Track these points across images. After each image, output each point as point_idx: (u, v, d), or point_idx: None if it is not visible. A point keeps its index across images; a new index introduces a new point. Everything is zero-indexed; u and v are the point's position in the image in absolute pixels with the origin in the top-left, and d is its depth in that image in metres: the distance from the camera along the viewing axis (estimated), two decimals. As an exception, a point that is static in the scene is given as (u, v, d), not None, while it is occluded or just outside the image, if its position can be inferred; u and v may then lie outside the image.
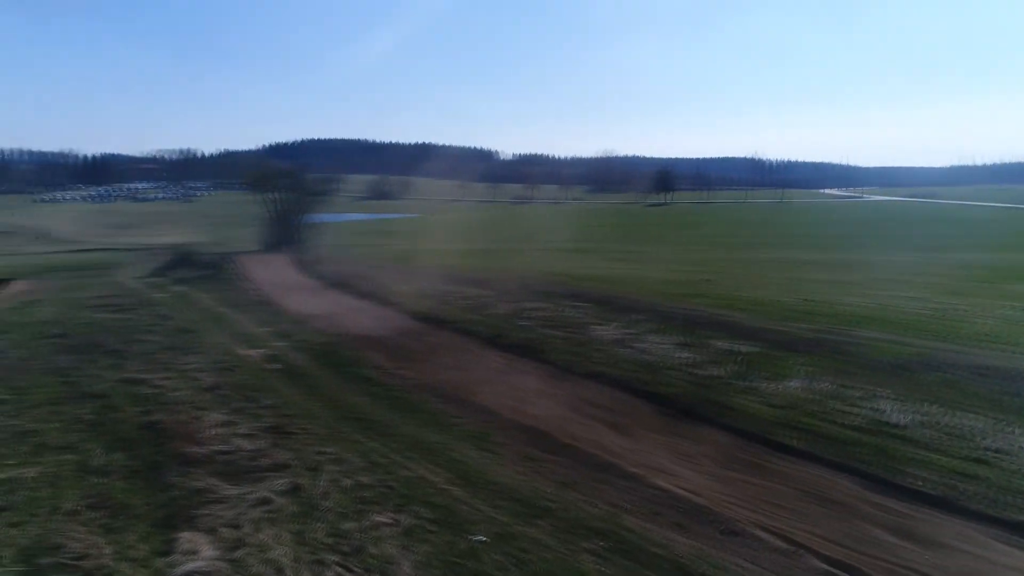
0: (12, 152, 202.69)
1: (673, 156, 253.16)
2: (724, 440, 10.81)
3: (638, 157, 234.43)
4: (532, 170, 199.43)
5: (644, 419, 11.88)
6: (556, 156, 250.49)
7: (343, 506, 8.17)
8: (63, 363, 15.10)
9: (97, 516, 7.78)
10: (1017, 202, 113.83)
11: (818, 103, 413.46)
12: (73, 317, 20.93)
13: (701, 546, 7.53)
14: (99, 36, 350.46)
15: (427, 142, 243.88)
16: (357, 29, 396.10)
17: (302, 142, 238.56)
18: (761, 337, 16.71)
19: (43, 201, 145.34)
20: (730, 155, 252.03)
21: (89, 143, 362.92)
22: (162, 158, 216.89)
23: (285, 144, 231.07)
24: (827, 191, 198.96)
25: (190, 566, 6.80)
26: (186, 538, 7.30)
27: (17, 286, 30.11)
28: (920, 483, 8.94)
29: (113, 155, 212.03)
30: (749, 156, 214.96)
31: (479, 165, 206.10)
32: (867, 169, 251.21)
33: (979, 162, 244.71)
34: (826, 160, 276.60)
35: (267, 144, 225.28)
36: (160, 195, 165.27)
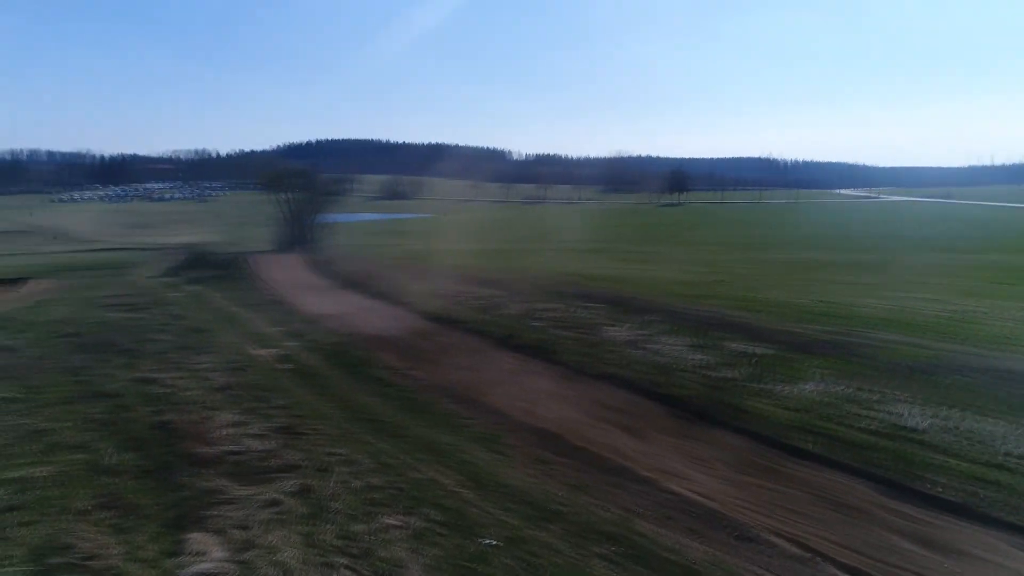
0: (31, 152, 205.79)
1: (686, 156, 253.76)
2: (738, 443, 10.66)
3: (651, 157, 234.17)
4: (545, 170, 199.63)
5: (657, 422, 11.75)
6: (569, 156, 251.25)
7: (353, 508, 8.11)
8: (77, 362, 15.20)
9: (107, 516, 7.77)
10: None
11: (832, 103, 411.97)
12: (87, 316, 21.08)
13: (715, 552, 7.41)
14: (117, 38, 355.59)
15: (440, 142, 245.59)
16: (371, 30, 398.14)
17: (317, 142, 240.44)
18: (776, 339, 16.51)
19: (60, 201, 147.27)
20: (744, 155, 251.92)
21: (106, 143, 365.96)
22: (178, 158, 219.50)
23: (300, 144, 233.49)
24: (842, 191, 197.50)
25: (199, 567, 6.76)
26: (195, 539, 7.27)
27: (34, 285, 30.50)
28: (939, 489, 8.76)
29: (129, 155, 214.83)
30: (763, 156, 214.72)
31: (492, 165, 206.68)
32: (882, 169, 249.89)
33: (996, 162, 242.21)
34: (841, 160, 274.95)
35: (282, 144, 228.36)
36: (175, 195, 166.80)
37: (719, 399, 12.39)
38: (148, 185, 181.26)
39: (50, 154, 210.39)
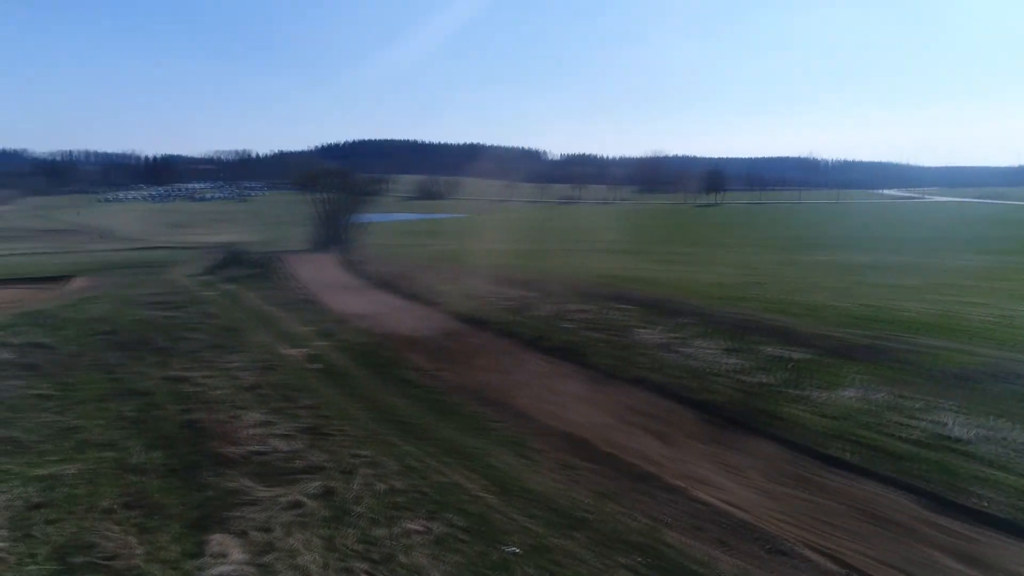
0: (79, 153, 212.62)
1: (724, 156, 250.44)
2: (772, 452, 10.34)
3: (688, 157, 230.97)
4: (580, 170, 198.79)
5: (688, 428, 11.48)
6: (604, 156, 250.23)
7: (375, 512, 8.02)
8: (111, 360, 15.45)
9: (132, 515, 7.80)
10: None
11: (878, 101, 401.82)
12: (125, 314, 21.48)
13: (745, 565, 7.15)
14: (164, 43, 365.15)
15: (475, 142, 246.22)
16: (406, 31, 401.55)
17: (353, 143, 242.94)
18: (814, 343, 16.04)
19: (106, 201, 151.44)
20: (784, 155, 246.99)
21: (150, 144, 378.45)
22: (219, 159, 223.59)
23: (337, 145, 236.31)
24: (886, 192, 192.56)
25: (219, 569, 6.73)
26: (217, 540, 7.24)
27: (78, 283, 31.35)
28: (985, 503, 8.34)
29: (173, 156, 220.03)
30: (804, 156, 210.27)
31: (527, 165, 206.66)
32: (929, 169, 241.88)
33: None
34: (886, 160, 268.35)
35: (319, 145, 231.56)
36: (216, 195, 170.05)
37: (753, 405, 12.04)
38: (190, 185, 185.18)
39: (98, 155, 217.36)
